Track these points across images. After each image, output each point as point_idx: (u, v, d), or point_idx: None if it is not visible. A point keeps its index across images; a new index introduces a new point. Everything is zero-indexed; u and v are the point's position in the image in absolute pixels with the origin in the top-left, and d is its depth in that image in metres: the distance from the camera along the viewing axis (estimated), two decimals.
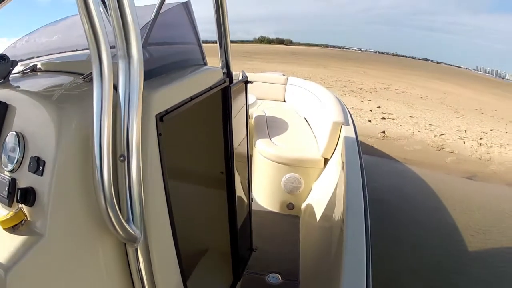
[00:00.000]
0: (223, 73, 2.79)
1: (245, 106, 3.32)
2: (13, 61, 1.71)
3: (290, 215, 4.99)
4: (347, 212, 2.67)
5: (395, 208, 6.63)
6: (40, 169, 1.33)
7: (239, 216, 3.27)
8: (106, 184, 1.37)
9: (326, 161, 4.72)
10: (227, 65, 2.87)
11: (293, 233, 4.59)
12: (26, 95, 1.51)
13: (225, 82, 2.70)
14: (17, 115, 1.47)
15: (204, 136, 3.13)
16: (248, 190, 3.61)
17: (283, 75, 8.14)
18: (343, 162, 3.72)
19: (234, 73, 2.95)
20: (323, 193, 4.05)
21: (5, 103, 1.50)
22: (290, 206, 4.99)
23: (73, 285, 1.44)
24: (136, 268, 1.71)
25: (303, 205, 4.84)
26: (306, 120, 6.20)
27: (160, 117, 1.76)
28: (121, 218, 1.45)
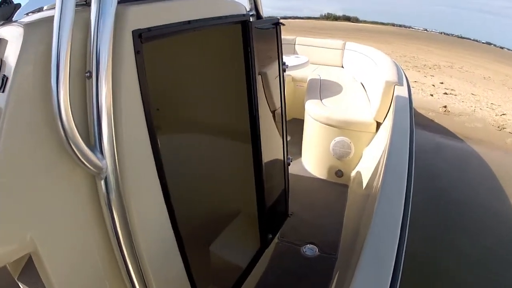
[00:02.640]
0: (249, 10, 2.65)
1: (277, 54, 2.98)
2: (16, 4, 1.72)
3: (338, 183, 4.62)
4: (383, 186, 2.38)
5: (451, 186, 6.10)
6: (3, 86, 1.27)
7: (270, 177, 3.01)
8: (62, 103, 1.24)
9: (378, 125, 4.29)
10: (255, 5, 2.72)
11: (339, 203, 4.20)
12: (13, 26, 1.41)
13: (244, 16, 2.41)
14: (2, 45, 1.40)
15: (221, 79, 2.90)
16: (283, 150, 3.25)
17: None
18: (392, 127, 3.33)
19: None
20: (374, 160, 3.61)
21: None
22: (339, 173, 4.60)
23: (35, 217, 1.34)
24: (107, 204, 1.52)
25: (353, 173, 4.43)
26: (363, 86, 5.75)
27: (138, 34, 1.56)
28: (81, 142, 1.32)
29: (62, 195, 1.42)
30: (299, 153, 5.22)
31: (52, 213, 1.39)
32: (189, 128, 3.43)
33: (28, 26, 1.31)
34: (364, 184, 3.61)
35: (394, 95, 4.07)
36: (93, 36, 1.36)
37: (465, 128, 9.49)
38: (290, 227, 3.66)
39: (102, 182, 1.48)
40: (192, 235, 3.43)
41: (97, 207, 1.54)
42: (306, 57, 6.33)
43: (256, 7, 2.73)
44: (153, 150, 1.70)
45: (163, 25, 1.71)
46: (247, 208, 3.10)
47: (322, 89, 5.49)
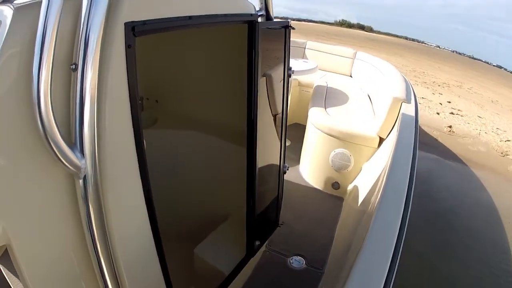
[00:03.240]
0: (259, 10, 2.52)
1: (283, 58, 2.88)
2: None
3: (334, 195, 4.51)
4: (380, 205, 2.34)
5: (448, 210, 6.02)
6: None
7: (263, 183, 2.90)
8: (42, 96, 1.18)
9: (381, 140, 4.17)
10: (266, 6, 2.61)
11: (332, 216, 4.11)
12: (7, 7, 1.27)
13: (252, 16, 2.30)
14: None
15: (223, 77, 2.83)
16: (280, 157, 3.15)
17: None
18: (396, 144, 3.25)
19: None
20: (373, 176, 3.52)
21: None
22: (336, 185, 4.49)
23: (10, 210, 1.29)
24: (84, 204, 1.44)
25: (350, 187, 4.32)
26: (370, 98, 5.66)
27: (131, 27, 1.46)
28: (59, 139, 1.24)
29: (39, 190, 1.36)
30: (297, 160, 5.14)
31: (28, 207, 1.34)
32: (183, 125, 3.38)
33: (18, 10, 1.23)
34: (360, 200, 3.52)
35: (401, 112, 3.97)
36: (83, 26, 1.28)
37: (468, 151, 9.38)
38: (280, 236, 3.57)
39: (81, 181, 1.40)
40: (176, 237, 3.37)
41: (75, 206, 1.46)
42: (314, 62, 6.20)
43: (266, 7, 2.62)
44: (137, 152, 1.61)
45: (160, 19, 1.61)
46: (237, 213, 2.99)
47: (327, 97, 5.41)
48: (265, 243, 3.37)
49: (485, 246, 5.20)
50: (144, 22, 1.51)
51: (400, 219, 2.18)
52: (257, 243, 2.95)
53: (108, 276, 1.64)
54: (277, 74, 2.85)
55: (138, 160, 1.64)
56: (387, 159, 3.16)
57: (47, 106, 1.19)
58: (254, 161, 2.59)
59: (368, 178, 3.76)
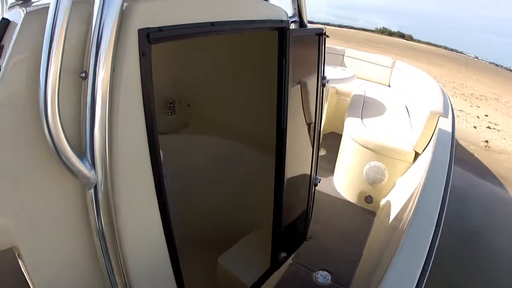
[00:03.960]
0: (291, 16, 2.47)
1: (317, 67, 2.76)
2: None
3: (366, 209, 4.38)
4: (412, 222, 2.25)
5: (480, 230, 5.76)
6: None
7: (292, 195, 2.80)
8: (50, 104, 1.14)
9: (417, 155, 4.02)
10: (299, 12, 2.55)
11: (363, 231, 3.97)
12: (22, 10, 1.28)
13: (282, 22, 2.20)
14: (11, 29, 1.30)
15: (254, 84, 2.73)
16: (311, 168, 3.03)
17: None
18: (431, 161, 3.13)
19: None
20: (407, 192, 3.38)
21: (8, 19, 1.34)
22: (369, 199, 4.35)
23: (18, 215, 1.29)
24: (94, 215, 1.39)
25: (383, 202, 4.18)
26: (407, 109, 5.48)
27: (146, 34, 1.40)
28: (67, 148, 1.21)
29: (49, 197, 1.33)
30: (332, 170, 5.04)
31: (37, 214, 1.32)
32: (213, 131, 3.33)
33: (30, 13, 1.21)
34: (392, 216, 3.39)
35: (437, 126, 3.83)
36: (94, 32, 1.23)
37: (503, 168, 9.06)
38: (307, 249, 3.45)
39: (91, 192, 1.35)
40: (201, 244, 3.32)
41: (86, 216, 1.41)
42: (352, 71, 6.07)
43: (299, 13, 2.55)
44: (152, 164, 1.55)
45: (178, 25, 1.55)
46: (265, 224, 2.89)
47: (365, 107, 5.27)
48: (292, 255, 3.28)
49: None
50: (160, 29, 1.46)
51: (431, 238, 2.10)
52: (283, 255, 2.85)
53: (118, 282, 1.59)
54: (312, 82, 2.76)
55: (153, 172, 1.57)
56: (421, 176, 3.03)
57: (54, 114, 1.15)
58: (282, 171, 2.49)
59: (401, 194, 3.62)
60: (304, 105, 2.68)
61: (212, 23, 1.71)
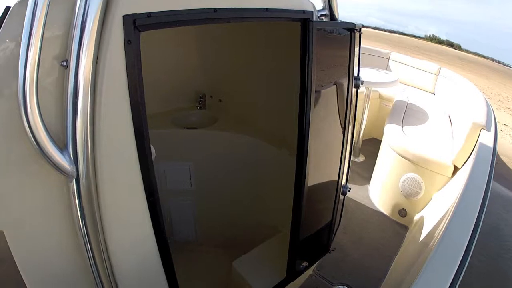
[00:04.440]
0: (321, 9, 2.33)
1: (348, 65, 2.56)
2: None
3: (399, 223, 4.15)
4: (442, 241, 2.10)
5: None
6: None
7: (316, 202, 2.70)
8: (28, 95, 1.11)
9: (456, 170, 3.75)
10: (329, 4, 2.36)
11: (392, 246, 3.75)
12: None
13: (304, 13, 2.05)
14: None
15: (283, 84, 2.59)
16: (339, 176, 2.83)
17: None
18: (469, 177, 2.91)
19: None
20: (443, 209, 3.14)
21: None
22: (402, 212, 4.11)
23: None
24: (76, 211, 1.37)
25: (417, 217, 3.92)
26: (450, 119, 5.19)
27: (132, 20, 1.33)
28: (46, 141, 1.19)
29: (32, 188, 1.32)
30: (368, 178, 4.84)
31: (20, 204, 1.32)
32: (241, 129, 3.25)
33: (20, 2, 1.15)
34: (425, 233, 3.16)
35: (479, 140, 3.57)
36: (77, 18, 1.18)
37: None
38: (331, 261, 3.30)
39: (73, 185, 1.32)
40: (219, 243, 3.46)
41: (69, 207, 1.38)
42: (396, 75, 5.83)
43: (330, 6, 2.36)
44: (141, 161, 1.49)
45: (172, 10, 1.46)
46: (286, 231, 2.71)
47: (406, 114, 5.03)
48: (313, 266, 3.13)
49: None
50: (148, 15, 1.38)
51: (460, 260, 1.94)
52: (304, 264, 2.71)
53: (104, 280, 1.56)
54: (344, 82, 2.58)
55: (142, 169, 1.52)
56: (458, 192, 2.80)
57: (32, 104, 1.13)
58: (303, 177, 2.34)
59: (437, 210, 3.39)
60: (333, 107, 2.51)
61: (215, 10, 1.59)
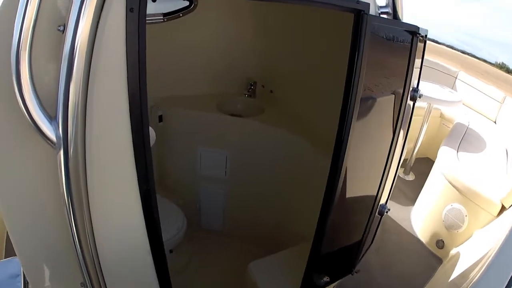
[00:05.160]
0: (384, 6, 2.10)
1: (406, 74, 2.28)
2: None
3: (434, 254, 3.94)
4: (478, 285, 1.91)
5: None
6: None
7: (346, 217, 2.53)
8: (21, 58, 1.07)
9: (503, 209, 3.48)
10: (393, 2, 2.11)
11: (422, 277, 3.53)
12: None
13: (358, 3, 1.82)
14: None
15: (336, 82, 2.23)
16: (378, 194, 2.59)
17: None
18: None
19: None
20: (481, 249, 2.91)
21: None
22: (440, 243, 3.88)
23: None
24: (63, 187, 1.28)
25: (453, 251, 3.66)
26: (507, 153, 4.91)
27: None
28: (33, 106, 1.15)
29: (21, 154, 1.30)
30: (414, 199, 4.61)
31: (9, 170, 1.30)
32: (285, 124, 3.15)
33: None
34: (458, 271, 2.95)
35: None
36: None
37: None
38: (354, 281, 3.06)
39: (60, 156, 1.25)
40: (243, 238, 3.51)
41: (56, 179, 1.30)
42: (459, 95, 5.54)
43: (393, 4, 2.11)
44: (134, 141, 1.40)
45: None
46: (306, 244, 2.54)
47: (464, 138, 4.76)
48: (333, 284, 2.89)
49: None
50: None
51: None
52: (326, 279, 2.50)
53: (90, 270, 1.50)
54: (399, 92, 2.35)
55: (136, 154, 1.43)
56: (502, 236, 2.52)
57: (24, 70, 1.09)
58: (334, 186, 2.12)
59: (475, 249, 3.16)
60: (382, 116, 2.31)
61: None
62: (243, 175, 3.42)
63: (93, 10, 1.11)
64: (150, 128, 1.47)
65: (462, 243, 3.63)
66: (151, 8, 3.05)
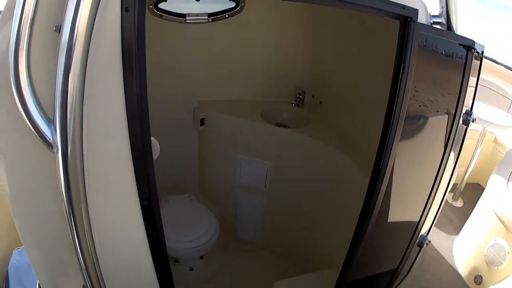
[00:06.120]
0: (437, 15, 1.92)
1: (458, 93, 2.09)
2: None
3: None
4: None
5: None
6: None
7: (382, 245, 2.39)
8: (19, 61, 1.06)
9: None
10: (447, 11, 1.91)
11: None
12: None
13: (404, 9, 1.67)
14: None
15: (379, 96, 2.05)
16: (419, 222, 2.43)
17: None
18: None
19: None
20: None
21: None
22: (478, 279, 3.63)
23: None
24: (62, 186, 1.22)
25: None
26: None
27: None
28: (31, 108, 1.13)
29: (24, 154, 1.33)
30: (460, 228, 4.36)
31: (15, 167, 1.34)
32: (329, 138, 3.05)
33: None
34: None
35: None
36: None
37: None
38: None
39: (59, 158, 1.20)
40: (265, 255, 3.47)
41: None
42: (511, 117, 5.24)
43: (447, 13, 1.92)
44: (133, 154, 1.36)
45: None
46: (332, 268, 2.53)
47: None
48: None
49: None
50: None
51: None
52: None
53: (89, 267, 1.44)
54: (450, 112, 2.17)
55: (135, 166, 1.39)
56: None
57: (22, 73, 1.08)
58: (370, 208, 2.00)
59: None
60: (430, 139, 2.16)
61: None
62: (282, 188, 3.34)
63: (89, 10, 1.08)
64: (153, 139, 1.42)
65: (500, 281, 3.46)
66: (194, 8, 3.02)
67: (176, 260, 3.12)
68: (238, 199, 3.53)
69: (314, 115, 3.46)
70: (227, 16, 3.14)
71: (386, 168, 1.89)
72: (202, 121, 3.39)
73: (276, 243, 3.48)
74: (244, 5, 3.13)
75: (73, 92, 1.13)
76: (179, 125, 3.54)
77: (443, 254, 3.96)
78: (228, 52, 3.36)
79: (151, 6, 2.87)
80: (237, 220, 3.65)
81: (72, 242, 1.35)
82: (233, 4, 3.12)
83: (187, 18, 3.01)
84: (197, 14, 3.04)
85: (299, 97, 3.62)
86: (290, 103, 3.65)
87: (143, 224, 1.50)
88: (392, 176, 1.95)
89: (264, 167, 3.32)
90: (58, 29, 1.11)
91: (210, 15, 3.08)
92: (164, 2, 2.89)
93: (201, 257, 3.10)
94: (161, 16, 2.96)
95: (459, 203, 4.92)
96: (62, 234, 1.39)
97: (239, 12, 3.15)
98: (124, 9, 1.19)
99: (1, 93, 1.18)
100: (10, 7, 1.11)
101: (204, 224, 3.03)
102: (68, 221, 1.29)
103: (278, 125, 3.38)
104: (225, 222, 3.34)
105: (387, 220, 2.23)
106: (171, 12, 2.97)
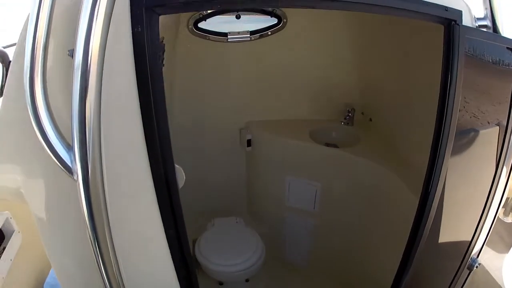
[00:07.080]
0: (482, 20, 1.80)
1: (510, 106, 1.92)
2: None
3: None
4: None
5: None
6: None
7: (429, 272, 2.21)
8: (35, 88, 1.07)
9: None
10: (492, 13, 1.78)
11: None
12: None
13: (447, 11, 1.52)
14: None
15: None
16: (471, 245, 2.25)
17: None
18: None
19: None
20: None
21: None
22: None
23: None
24: (85, 209, 1.18)
25: None
26: None
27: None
28: (49, 134, 1.12)
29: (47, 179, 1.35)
30: (511, 245, 4.05)
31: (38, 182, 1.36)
32: (378, 158, 2.90)
33: None
34: None
35: None
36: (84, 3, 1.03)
37: None
38: None
39: (80, 184, 1.17)
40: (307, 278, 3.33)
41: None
42: None
43: (492, 16, 1.78)
44: (152, 170, 1.29)
45: None
46: None
47: None
48: None
49: None
50: None
51: None
52: None
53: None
54: (501, 125, 2.01)
55: (157, 191, 1.32)
56: None
57: (39, 100, 1.08)
58: (420, 230, 1.85)
59: None
60: (481, 155, 2.02)
61: None
62: (332, 210, 3.23)
63: (100, 32, 1.06)
64: (177, 167, 1.36)
65: None
66: (236, 26, 2.96)
67: (221, 283, 3.05)
68: (287, 221, 3.45)
69: (364, 133, 3.34)
70: (269, 33, 3.08)
71: (436, 187, 1.76)
72: (249, 142, 3.35)
73: (324, 267, 3.37)
74: (287, 21, 3.05)
75: (90, 116, 1.10)
76: (226, 147, 3.51)
77: (492, 274, 3.75)
78: (274, 70, 3.30)
79: (191, 26, 2.85)
80: (286, 243, 3.57)
81: (98, 268, 1.31)
82: (275, 21, 3.05)
83: (228, 36, 2.97)
84: (238, 32, 3.00)
85: (348, 115, 3.48)
86: (339, 121, 3.53)
87: (169, 253, 1.44)
88: (443, 196, 1.81)
89: (314, 188, 3.22)
90: (71, 53, 1.08)
91: (252, 32, 3.04)
92: (204, 22, 2.87)
93: (247, 280, 3.02)
94: (202, 36, 2.94)
95: (510, 219, 4.69)
96: (89, 258, 1.34)
97: (281, 28, 3.09)
98: (136, 28, 1.16)
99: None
100: (25, 37, 1.08)
101: (250, 246, 2.96)
102: (93, 247, 1.26)
103: (327, 144, 3.29)
104: (273, 245, 3.26)
105: (437, 242, 2.09)
106: (212, 31, 2.95)
